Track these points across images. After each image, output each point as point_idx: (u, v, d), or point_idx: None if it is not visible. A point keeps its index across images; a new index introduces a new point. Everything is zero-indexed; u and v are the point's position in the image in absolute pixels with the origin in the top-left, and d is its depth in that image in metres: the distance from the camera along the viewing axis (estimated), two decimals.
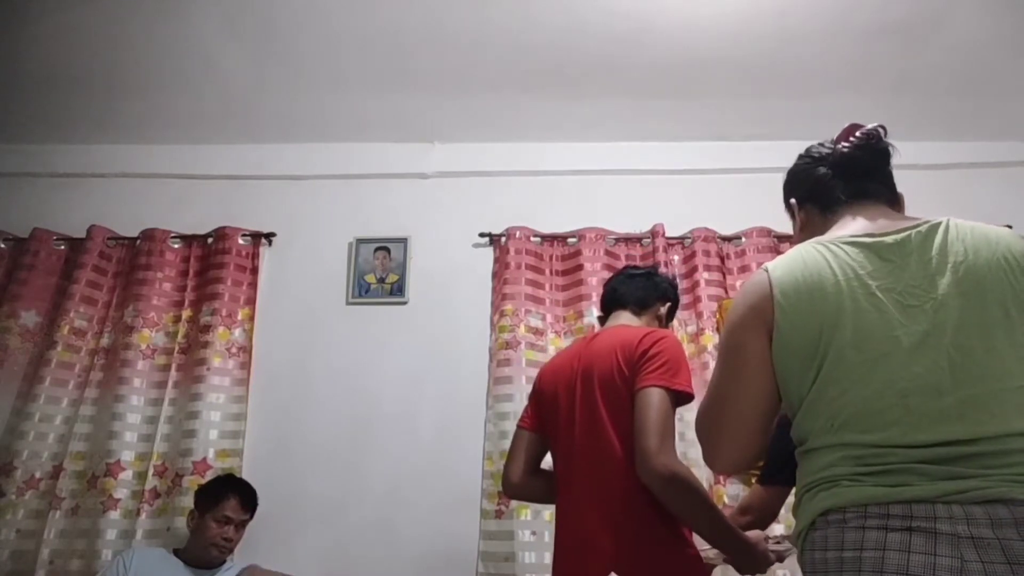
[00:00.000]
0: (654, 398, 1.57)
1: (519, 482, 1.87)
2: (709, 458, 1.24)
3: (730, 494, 2.57)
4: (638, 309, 1.90)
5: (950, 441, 0.97)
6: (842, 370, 1.07)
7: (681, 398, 1.63)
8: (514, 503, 2.58)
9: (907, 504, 0.95)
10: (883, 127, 1.27)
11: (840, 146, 1.28)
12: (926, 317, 1.05)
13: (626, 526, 1.57)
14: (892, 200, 1.27)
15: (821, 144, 1.33)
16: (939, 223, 1.14)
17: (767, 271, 1.17)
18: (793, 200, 1.36)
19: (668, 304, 1.95)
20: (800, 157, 1.36)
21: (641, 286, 1.94)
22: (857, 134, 1.26)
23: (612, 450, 1.62)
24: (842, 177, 1.27)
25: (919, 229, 1.14)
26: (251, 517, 2.48)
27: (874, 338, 1.06)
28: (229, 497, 2.41)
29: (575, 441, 1.71)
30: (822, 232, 1.24)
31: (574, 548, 1.65)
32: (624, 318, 1.89)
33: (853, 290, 1.10)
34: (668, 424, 1.55)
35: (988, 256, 1.08)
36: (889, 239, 1.13)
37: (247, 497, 2.46)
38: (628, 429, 1.59)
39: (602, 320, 1.99)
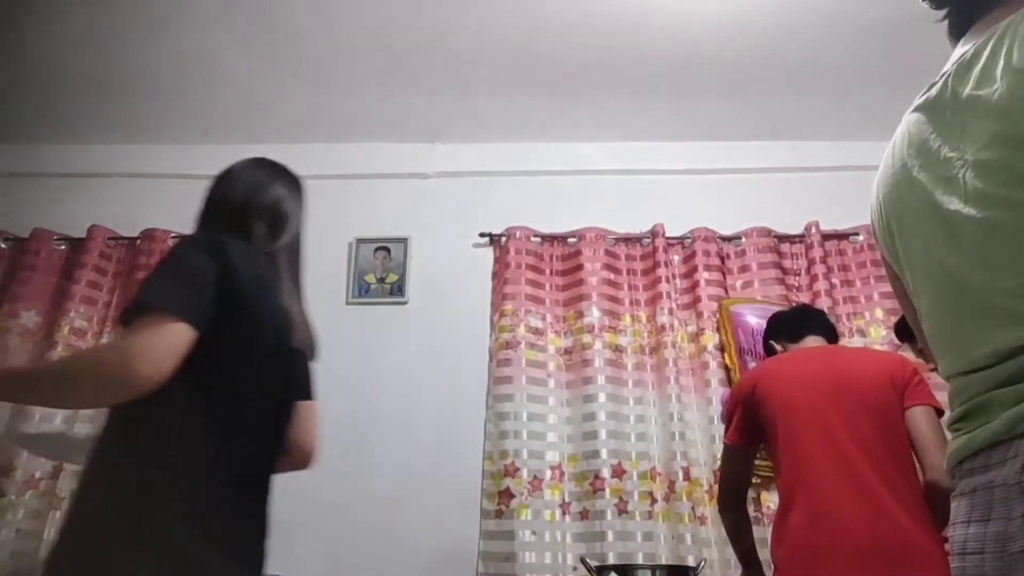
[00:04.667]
0: (933, 416, 1.82)
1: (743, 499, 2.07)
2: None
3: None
4: (832, 339, 2.14)
5: (1013, 351, 0.68)
6: (913, 284, 0.85)
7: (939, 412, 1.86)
8: (514, 503, 2.58)
9: (974, 455, 0.72)
10: None
11: None
12: (961, 189, 0.75)
13: (935, 531, 1.71)
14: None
15: None
16: (994, 32, 0.75)
17: None
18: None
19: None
20: None
21: (828, 324, 2.19)
22: None
23: (897, 460, 1.79)
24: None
25: (964, 57, 0.78)
26: None
27: (915, 234, 0.82)
28: None
29: (842, 448, 1.81)
30: None
31: (888, 552, 1.69)
32: (821, 342, 2.11)
33: (901, 177, 0.85)
34: (945, 439, 1.74)
35: None
36: (938, 85, 0.82)
37: None
38: (899, 441, 1.81)
39: (781, 343, 2.16)
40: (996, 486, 0.68)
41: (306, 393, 1.53)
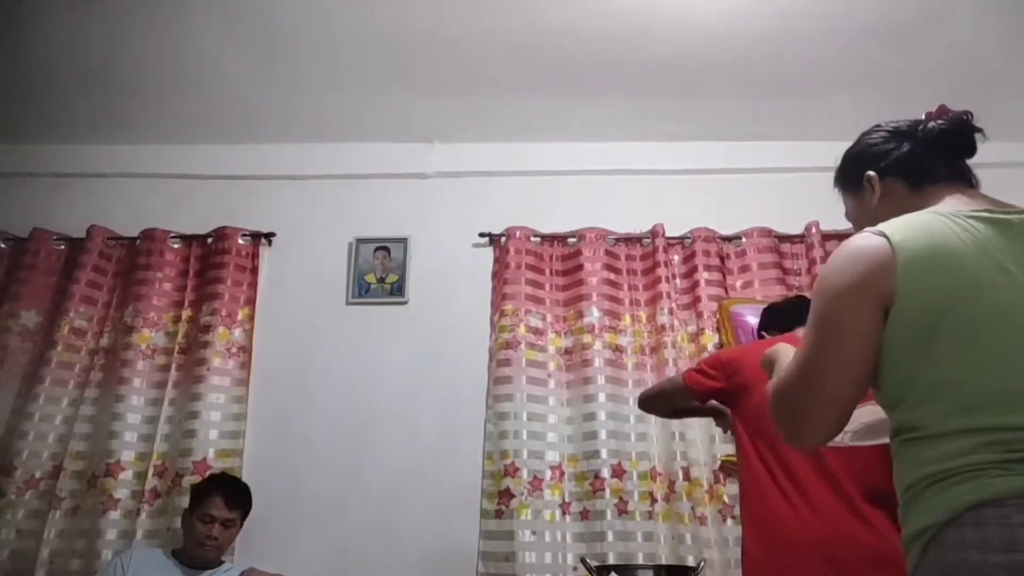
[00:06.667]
0: None
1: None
2: (794, 435, 1.14)
3: (730, 494, 2.57)
4: None
5: None
6: (979, 348, 0.98)
7: None
8: (514, 503, 2.58)
9: None
10: (970, 113, 1.26)
11: (934, 123, 1.25)
12: None
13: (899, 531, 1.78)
14: (978, 186, 1.25)
15: (895, 121, 1.30)
16: None
17: (885, 235, 1.05)
18: (872, 172, 1.28)
19: None
20: (874, 132, 1.32)
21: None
22: (950, 114, 1.25)
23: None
24: (937, 154, 1.23)
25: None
26: (241, 516, 2.47)
27: (1014, 314, 0.98)
28: (213, 495, 2.41)
29: None
30: (910, 208, 1.15)
31: (854, 548, 1.68)
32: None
33: (985, 264, 1.02)
34: None
35: None
36: (1013, 218, 1.07)
37: (232, 495, 2.44)
38: None
39: (771, 334, 2.15)
40: None
41: None
